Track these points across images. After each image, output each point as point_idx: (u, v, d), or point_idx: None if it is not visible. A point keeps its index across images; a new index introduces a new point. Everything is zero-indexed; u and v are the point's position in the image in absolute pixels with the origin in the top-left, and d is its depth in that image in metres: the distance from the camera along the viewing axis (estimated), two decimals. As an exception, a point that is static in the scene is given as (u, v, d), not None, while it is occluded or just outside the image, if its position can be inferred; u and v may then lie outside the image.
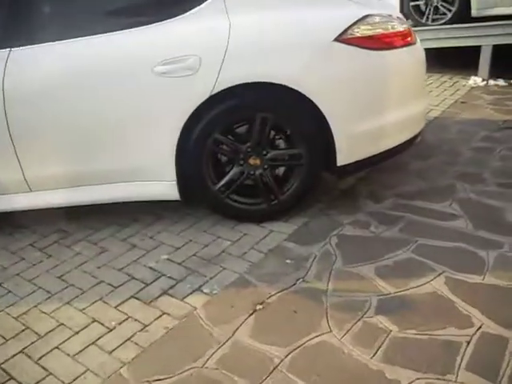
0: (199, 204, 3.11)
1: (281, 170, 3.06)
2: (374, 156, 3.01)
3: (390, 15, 2.91)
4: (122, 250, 2.88)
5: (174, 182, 2.89)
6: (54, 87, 2.69)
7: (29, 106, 2.70)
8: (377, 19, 2.81)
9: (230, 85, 2.69)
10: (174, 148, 2.79)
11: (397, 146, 3.07)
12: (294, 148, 2.89)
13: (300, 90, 2.72)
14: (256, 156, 2.89)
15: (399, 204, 3.18)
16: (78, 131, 2.76)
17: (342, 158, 2.92)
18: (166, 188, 2.91)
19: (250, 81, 2.68)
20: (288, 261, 2.71)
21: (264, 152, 2.89)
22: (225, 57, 2.65)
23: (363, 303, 2.36)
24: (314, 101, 2.73)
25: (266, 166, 2.92)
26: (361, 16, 2.77)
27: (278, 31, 2.71)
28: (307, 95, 2.72)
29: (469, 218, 2.98)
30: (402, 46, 2.86)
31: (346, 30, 2.73)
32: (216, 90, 2.69)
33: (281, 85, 2.71)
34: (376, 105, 2.90)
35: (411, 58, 2.96)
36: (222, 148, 2.89)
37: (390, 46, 2.82)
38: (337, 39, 2.72)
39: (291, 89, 2.71)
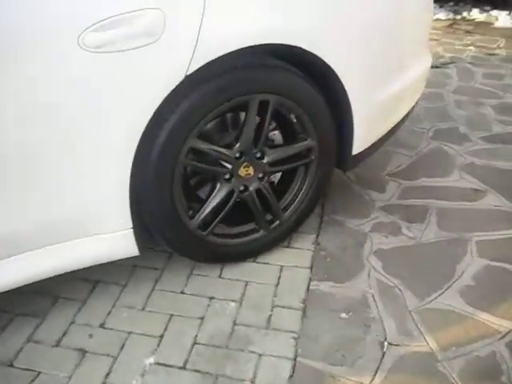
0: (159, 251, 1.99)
1: (276, 177, 2.07)
2: (386, 134, 2.17)
3: None
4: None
5: (129, 230, 1.72)
6: None
7: None
8: None
9: (214, 56, 1.58)
10: (128, 173, 1.61)
11: (404, 117, 2.26)
12: (302, 140, 1.91)
13: (315, 52, 1.73)
14: (249, 163, 1.84)
15: (406, 188, 2.40)
16: None
17: (359, 144, 2.02)
18: (114, 243, 1.72)
19: (244, 45, 1.61)
20: (343, 315, 1.78)
21: (259, 155, 1.86)
22: (205, 7, 1.52)
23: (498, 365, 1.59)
24: (331, 65, 1.77)
25: (261, 175, 1.89)
26: None
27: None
28: (322, 58, 1.75)
29: (496, 191, 2.35)
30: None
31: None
32: (194, 67, 1.56)
33: (289, 46, 1.69)
34: (395, 61, 2.04)
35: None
36: (200, 161, 1.79)
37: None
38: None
39: (302, 52, 1.71)
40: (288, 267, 1.97)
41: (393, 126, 2.17)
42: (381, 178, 2.45)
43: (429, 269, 1.95)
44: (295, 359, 1.63)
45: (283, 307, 1.81)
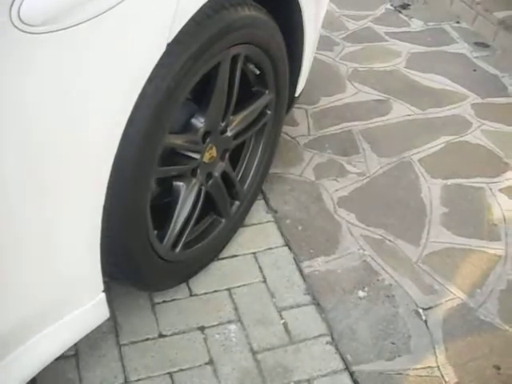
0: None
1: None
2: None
3: None
4: None
5: (102, 295, 1.11)
6: None
7: None
8: None
9: (198, 5, 1.01)
10: (100, 218, 1.00)
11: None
12: (264, 94, 1.43)
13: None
14: (212, 144, 1.32)
15: (315, 114, 2.08)
16: None
17: (302, 83, 1.64)
18: (90, 313, 1.10)
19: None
20: (361, 293, 1.49)
21: (222, 127, 1.34)
22: None
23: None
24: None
25: (222, 152, 1.39)
26: None
27: None
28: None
29: (396, 97, 2.20)
30: None
31: None
32: (177, 28, 0.97)
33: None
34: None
35: None
36: (168, 164, 1.21)
37: None
38: None
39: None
40: (262, 252, 1.58)
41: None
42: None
43: (398, 205, 1.76)
44: (348, 369, 1.33)
45: (291, 307, 1.46)
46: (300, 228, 1.66)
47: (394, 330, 1.43)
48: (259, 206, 1.71)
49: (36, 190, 0.87)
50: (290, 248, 1.60)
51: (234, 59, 1.24)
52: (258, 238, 1.62)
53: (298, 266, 1.56)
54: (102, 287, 1.10)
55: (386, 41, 2.57)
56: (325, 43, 2.51)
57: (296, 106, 2.11)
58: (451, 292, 1.53)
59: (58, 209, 0.93)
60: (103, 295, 1.12)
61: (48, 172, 0.88)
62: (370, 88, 2.26)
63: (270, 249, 1.60)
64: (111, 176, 0.99)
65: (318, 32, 1.66)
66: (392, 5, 2.83)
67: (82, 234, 1.00)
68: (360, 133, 2.03)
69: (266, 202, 1.73)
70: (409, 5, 2.84)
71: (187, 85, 1.10)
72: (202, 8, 1.03)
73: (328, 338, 1.39)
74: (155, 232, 1.25)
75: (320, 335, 1.40)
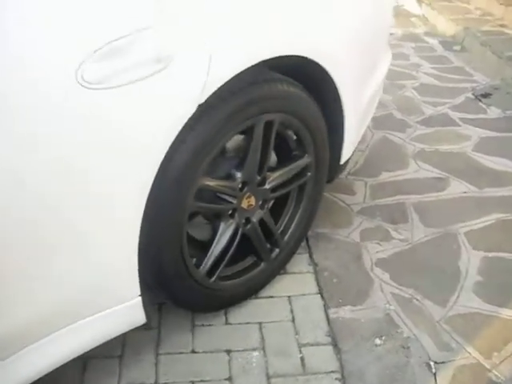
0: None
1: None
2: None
3: None
4: None
5: (138, 299, 1.40)
6: None
7: None
8: None
9: (228, 76, 1.32)
10: (137, 232, 1.30)
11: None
12: (299, 158, 1.70)
13: (316, 60, 1.53)
14: (251, 193, 1.60)
15: (373, 186, 2.30)
16: None
17: (346, 152, 1.87)
18: (123, 314, 1.39)
19: (255, 61, 1.37)
20: (377, 341, 1.63)
21: (260, 182, 1.62)
22: (212, 26, 1.24)
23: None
24: (330, 72, 1.59)
25: (262, 203, 1.66)
26: None
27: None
28: (322, 65, 1.56)
29: (456, 176, 2.35)
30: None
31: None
32: (207, 93, 1.29)
33: (292, 57, 1.47)
34: (373, 62, 1.90)
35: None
36: (204, 201, 1.50)
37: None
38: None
39: (303, 62, 1.51)
40: (296, 297, 1.78)
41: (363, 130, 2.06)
42: (345, 179, 2.33)
43: (434, 270, 1.88)
44: (350, 405, 1.47)
45: (311, 345, 1.63)
46: (335, 280, 1.85)
47: (401, 377, 1.54)
48: (303, 258, 1.93)
49: (90, 210, 1.19)
50: (321, 296, 1.79)
51: (269, 124, 1.53)
52: (295, 284, 1.83)
53: (325, 311, 1.73)
54: (138, 291, 1.38)
55: (459, 125, 2.73)
56: (398, 125, 2.74)
57: (356, 177, 2.35)
58: (467, 351, 1.61)
59: (103, 225, 1.23)
60: (139, 299, 1.39)
61: (98, 195, 1.19)
62: (432, 167, 2.43)
63: (304, 295, 1.80)
64: (149, 204, 1.28)
65: (366, 106, 1.89)
66: (473, 94, 3.00)
67: (121, 247, 1.30)
68: (412, 205, 2.20)
69: (310, 256, 1.94)
70: (490, 94, 2.99)
71: (218, 140, 1.39)
72: (232, 79, 1.33)
73: (338, 375, 1.54)
74: (194, 259, 1.53)
75: (331, 372, 1.55)
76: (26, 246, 1.13)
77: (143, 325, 1.46)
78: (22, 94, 1.02)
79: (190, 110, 1.27)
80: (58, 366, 1.33)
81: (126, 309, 1.38)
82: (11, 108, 1.01)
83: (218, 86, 1.30)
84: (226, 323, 1.70)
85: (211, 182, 1.47)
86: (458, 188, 2.29)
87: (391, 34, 4.02)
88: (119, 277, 1.33)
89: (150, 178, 1.26)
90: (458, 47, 3.79)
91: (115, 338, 1.59)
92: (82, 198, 1.16)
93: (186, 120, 1.27)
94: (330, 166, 1.84)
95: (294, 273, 1.88)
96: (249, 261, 1.73)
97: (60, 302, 1.25)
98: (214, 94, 1.30)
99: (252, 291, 1.76)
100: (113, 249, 1.28)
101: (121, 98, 1.13)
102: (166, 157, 1.26)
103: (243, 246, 1.67)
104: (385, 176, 2.37)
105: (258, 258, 1.73)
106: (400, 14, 4.47)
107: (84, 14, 1.06)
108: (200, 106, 1.28)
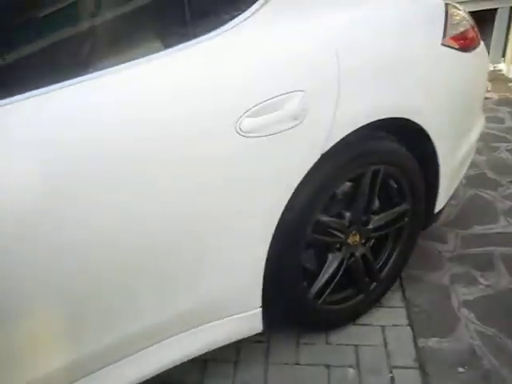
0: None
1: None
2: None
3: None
4: None
5: (258, 309, 1.72)
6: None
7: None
8: (457, 11, 2.04)
9: (346, 132, 1.65)
10: (265, 254, 1.63)
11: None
12: (399, 204, 1.98)
13: (416, 121, 1.83)
14: (356, 231, 1.90)
15: (464, 237, 2.51)
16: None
17: (440, 202, 2.13)
18: (245, 322, 1.71)
19: (369, 120, 1.69)
20: (460, 369, 1.84)
21: (364, 220, 1.91)
22: (340, 87, 1.58)
23: None
24: (427, 130, 1.87)
25: (364, 241, 1.95)
26: (445, 8, 1.97)
27: (386, 40, 1.73)
28: (421, 124, 1.85)
29: (544, 233, 2.51)
30: (477, 46, 2.14)
31: (445, 29, 1.91)
32: (329, 145, 1.62)
33: (397, 119, 1.78)
34: (469, 120, 2.18)
35: (484, 58, 2.26)
36: (318, 234, 1.81)
37: (472, 46, 2.08)
38: (442, 42, 1.89)
39: (405, 122, 1.81)
40: (389, 327, 2.03)
41: (457, 184, 2.30)
42: (438, 229, 2.55)
43: (518, 315, 2.07)
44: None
45: (401, 367, 1.86)
46: (424, 316, 2.07)
47: (482, 403, 1.74)
48: (396, 294, 2.17)
49: (231, 235, 1.53)
50: (412, 328, 2.02)
51: (375, 173, 1.82)
52: (388, 316, 2.08)
53: (414, 341, 1.96)
54: (259, 303, 1.69)
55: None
56: (490, 184, 2.94)
57: (448, 228, 2.57)
58: (546, 388, 1.78)
59: (239, 248, 1.57)
60: (259, 310, 1.70)
61: (237, 224, 1.53)
62: (521, 220, 2.61)
63: (396, 325, 2.04)
64: (276, 233, 1.60)
65: (459, 163, 2.13)
66: None
67: (252, 266, 1.63)
68: (500, 255, 2.38)
69: (403, 293, 2.18)
70: None
71: (333, 184, 1.72)
72: (350, 133, 1.65)
73: (421, 395, 1.77)
74: (305, 283, 1.83)
75: (416, 391, 1.79)
76: (186, 259, 1.49)
77: (256, 335, 1.77)
78: (193, 141, 1.38)
79: (315, 157, 1.60)
80: (189, 358, 1.66)
81: (248, 317, 1.71)
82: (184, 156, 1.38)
83: (339, 139, 1.62)
84: (327, 343, 1.97)
85: (325, 218, 1.78)
86: (545, 244, 2.46)
87: (487, 99, 4.22)
88: (247, 290, 1.66)
89: (279, 212, 1.59)
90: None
91: (231, 345, 1.91)
92: (226, 225, 1.51)
93: (311, 165, 1.60)
94: (425, 215, 2.09)
95: (388, 306, 2.12)
96: (350, 291, 2.00)
97: (198, 303, 1.59)
98: (335, 145, 1.62)
99: (351, 318, 2.03)
100: (244, 267, 1.62)
101: (266, 145, 1.48)
102: (292, 195, 1.59)
103: (346, 277, 1.95)
104: (475, 229, 2.57)
105: (357, 289, 2.00)
106: (497, 78, 4.65)
107: (252, 78, 1.45)
108: (323, 155, 1.61)
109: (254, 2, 1.54)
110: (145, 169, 1.33)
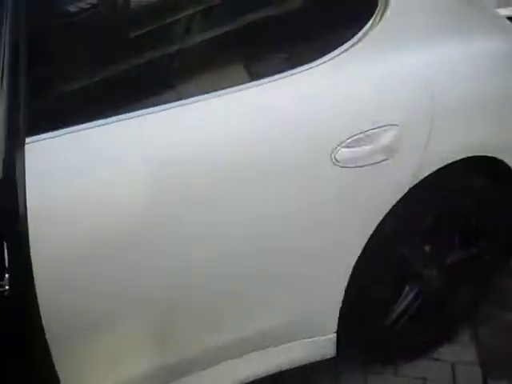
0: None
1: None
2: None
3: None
4: None
5: (333, 334, 1.74)
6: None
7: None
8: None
9: (434, 168, 1.66)
10: (346, 281, 1.66)
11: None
12: (481, 240, 1.97)
13: (503, 158, 1.82)
14: (434, 265, 1.89)
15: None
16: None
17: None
18: (319, 346, 1.74)
19: (458, 158, 1.69)
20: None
21: (443, 255, 1.91)
22: (433, 123, 1.60)
23: None
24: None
25: (442, 277, 1.94)
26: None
27: (488, 77, 1.74)
28: (508, 162, 1.84)
29: None
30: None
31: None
32: (417, 180, 1.63)
33: (487, 156, 1.78)
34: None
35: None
36: (401, 265, 1.83)
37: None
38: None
39: (492, 161, 1.80)
40: (458, 363, 2.01)
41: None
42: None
43: None
44: None
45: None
46: (496, 356, 2.04)
47: None
48: (469, 331, 2.13)
49: (317, 260, 1.57)
50: (482, 367, 1.99)
51: (458, 209, 1.82)
52: (459, 352, 2.04)
53: (484, 380, 1.95)
54: (335, 328, 1.71)
55: None
56: None
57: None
58: None
59: (322, 272, 1.60)
60: (334, 335, 1.72)
61: (324, 250, 1.57)
62: None
63: (466, 363, 2.01)
64: (360, 259, 1.62)
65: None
66: None
67: (332, 291, 1.65)
68: None
69: (476, 330, 2.14)
70: None
71: (417, 217, 1.73)
72: (437, 170, 1.65)
73: None
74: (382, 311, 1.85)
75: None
76: (275, 282, 1.54)
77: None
78: (293, 168, 1.44)
79: (403, 191, 1.61)
80: (257, 377, 1.70)
81: (323, 341, 1.74)
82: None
83: (426, 174, 1.64)
84: (396, 374, 1.97)
85: (406, 250, 1.79)
86: None
87: None
88: (326, 313, 1.69)
89: (363, 242, 1.62)
90: None
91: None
92: (313, 252, 1.55)
93: (398, 199, 1.61)
94: (505, 252, 2.07)
95: (460, 342, 2.09)
96: (424, 323, 1.97)
97: (278, 323, 1.63)
98: (422, 180, 1.64)
99: (423, 350, 2.02)
100: (325, 293, 1.65)
101: (357, 176, 1.51)
102: (377, 226, 1.61)
103: (421, 310, 1.94)
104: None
105: (431, 323, 1.99)
106: None
107: (351, 109, 1.49)
108: (410, 189, 1.62)
109: (354, 35, 1.58)
110: (251, 192, 1.40)
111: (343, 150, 1.47)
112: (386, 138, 1.51)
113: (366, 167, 1.51)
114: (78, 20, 1.35)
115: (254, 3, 1.57)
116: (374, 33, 1.60)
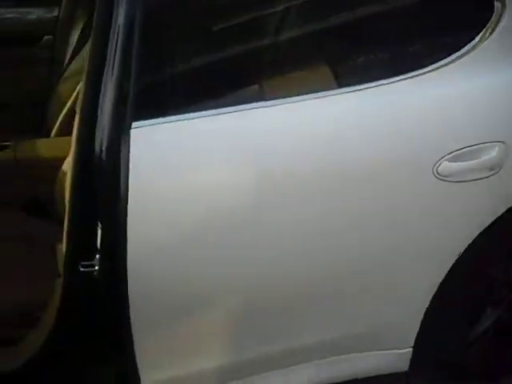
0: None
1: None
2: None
3: None
4: None
5: (409, 349, 1.70)
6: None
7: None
8: None
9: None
10: (430, 298, 1.60)
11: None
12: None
13: None
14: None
15: None
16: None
17: None
18: (393, 358, 1.70)
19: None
20: None
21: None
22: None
23: None
24: None
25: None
26: None
27: None
28: None
29: None
30: None
31: None
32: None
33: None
34: None
35: None
36: (488, 285, 1.76)
37: None
38: None
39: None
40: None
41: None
42: None
43: None
44: None
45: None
46: None
47: None
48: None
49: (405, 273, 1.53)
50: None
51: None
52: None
53: None
54: (412, 344, 1.66)
55: None
56: None
57: None
58: None
59: (408, 285, 1.56)
60: (410, 350, 1.67)
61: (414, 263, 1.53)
62: None
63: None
64: (446, 277, 1.57)
65: None
66: None
67: (415, 306, 1.60)
68: None
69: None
70: None
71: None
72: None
73: None
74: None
75: None
76: (362, 293, 1.52)
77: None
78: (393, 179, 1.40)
79: (501, 210, 1.54)
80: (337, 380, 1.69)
81: (398, 354, 1.69)
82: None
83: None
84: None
85: (494, 272, 1.72)
86: None
87: None
88: (407, 328, 1.65)
89: (454, 257, 1.55)
90: None
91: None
92: (406, 264, 1.52)
93: (495, 217, 1.54)
94: None
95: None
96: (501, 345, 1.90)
97: (357, 331, 1.60)
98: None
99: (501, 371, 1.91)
100: (409, 306, 1.60)
101: (458, 191, 1.45)
102: (471, 243, 1.54)
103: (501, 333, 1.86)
104: None
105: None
106: None
107: (458, 122, 1.44)
108: (508, 209, 1.55)
109: (464, 45, 1.51)
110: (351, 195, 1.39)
111: (446, 163, 1.41)
112: (491, 155, 1.44)
113: (465, 182, 1.45)
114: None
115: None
116: (487, 43, 1.52)
